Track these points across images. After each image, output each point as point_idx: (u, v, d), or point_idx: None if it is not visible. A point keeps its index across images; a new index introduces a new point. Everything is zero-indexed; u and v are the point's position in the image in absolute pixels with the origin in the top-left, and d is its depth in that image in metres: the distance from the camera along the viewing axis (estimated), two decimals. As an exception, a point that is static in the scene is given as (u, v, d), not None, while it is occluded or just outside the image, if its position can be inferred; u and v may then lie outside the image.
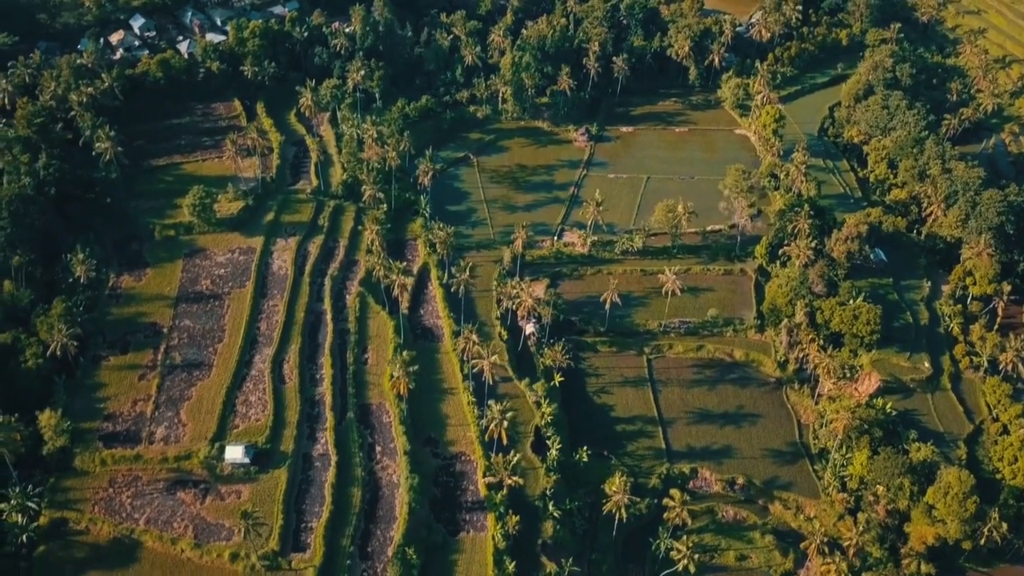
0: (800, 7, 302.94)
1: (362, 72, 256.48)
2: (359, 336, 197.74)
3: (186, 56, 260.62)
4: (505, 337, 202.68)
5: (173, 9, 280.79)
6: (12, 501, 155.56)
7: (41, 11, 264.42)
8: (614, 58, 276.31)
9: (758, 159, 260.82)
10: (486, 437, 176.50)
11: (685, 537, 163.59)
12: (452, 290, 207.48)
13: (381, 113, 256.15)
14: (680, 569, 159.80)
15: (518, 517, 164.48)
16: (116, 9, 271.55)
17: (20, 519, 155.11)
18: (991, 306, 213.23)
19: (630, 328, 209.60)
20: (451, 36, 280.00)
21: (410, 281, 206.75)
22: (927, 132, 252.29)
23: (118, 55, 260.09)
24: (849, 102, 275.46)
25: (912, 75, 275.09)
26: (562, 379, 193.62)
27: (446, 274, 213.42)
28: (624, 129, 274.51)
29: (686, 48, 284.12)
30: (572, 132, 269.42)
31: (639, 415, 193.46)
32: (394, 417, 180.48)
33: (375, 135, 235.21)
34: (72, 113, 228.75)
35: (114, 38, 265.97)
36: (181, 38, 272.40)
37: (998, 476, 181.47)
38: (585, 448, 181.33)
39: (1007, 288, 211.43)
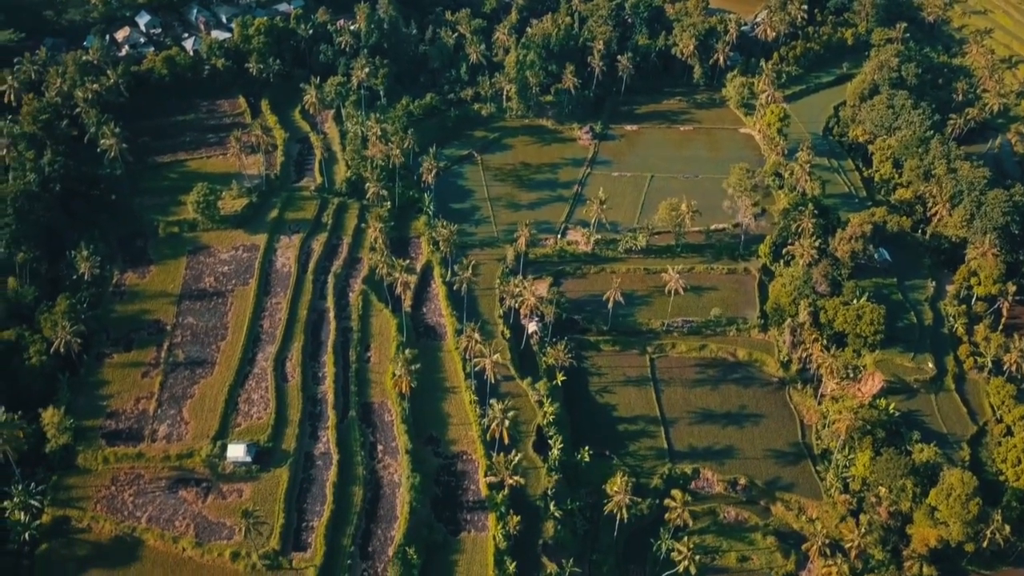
0: (805, 6, 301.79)
1: (367, 69, 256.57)
2: (362, 334, 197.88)
3: (191, 53, 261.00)
4: (507, 336, 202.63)
5: (179, 6, 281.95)
6: (15, 499, 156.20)
7: (47, 8, 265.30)
8: (618, 56, 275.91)
9: (762, 158, 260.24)
10: (488, 436, 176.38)
11: (686, 538, 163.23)
12: (455, 288, 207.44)
13: (385, 111, 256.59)
14: (681, 570, 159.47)
15: (519, 517, 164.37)
16: (122, 6, 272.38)
17: (23, 517, 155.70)
18: (996, 306, 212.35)
19: (633, 327, 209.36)
20: (456, 34, 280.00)
21: (413, 279, 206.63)
22: (932, 132, 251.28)
23: (124, 52, 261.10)
24: (854, 101, 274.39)
25: (918, 75, 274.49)
26: (564, 378, 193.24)
27: (449, 272, 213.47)
28: (628, 128, 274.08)
29: (691, 47, 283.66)
30: (576, 130, 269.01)
31: (641, 415, 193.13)
32: (396, 416, 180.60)
33: (379, 132, 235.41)
34: (77, 110, 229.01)
35: (120, 35, 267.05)
36: (186, 35, 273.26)
37: (1001, 478, 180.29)
38: (587, 448, 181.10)
39: (1012, 288, 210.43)
